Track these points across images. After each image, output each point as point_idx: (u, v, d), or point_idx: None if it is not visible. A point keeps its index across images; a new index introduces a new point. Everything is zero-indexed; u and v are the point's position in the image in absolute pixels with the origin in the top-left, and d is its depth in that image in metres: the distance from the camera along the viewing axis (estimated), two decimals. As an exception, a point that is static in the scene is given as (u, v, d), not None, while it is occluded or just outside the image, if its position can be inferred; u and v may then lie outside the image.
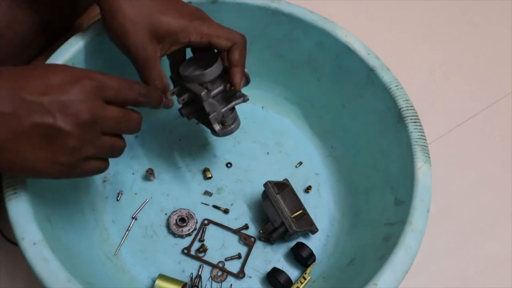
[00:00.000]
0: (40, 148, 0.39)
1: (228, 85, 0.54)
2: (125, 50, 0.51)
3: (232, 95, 0.57)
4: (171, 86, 0.57)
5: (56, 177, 0.41)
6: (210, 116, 0.56)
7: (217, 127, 0.57)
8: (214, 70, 0.53)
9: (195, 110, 0.58)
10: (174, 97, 0.55)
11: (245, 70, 0.55)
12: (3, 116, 0.37)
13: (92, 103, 0.40)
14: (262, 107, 0.71)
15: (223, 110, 0.57)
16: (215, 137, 0.65)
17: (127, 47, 0.50)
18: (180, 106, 0.57)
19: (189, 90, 0.55)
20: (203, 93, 0.53)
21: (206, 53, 0.56)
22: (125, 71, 0.61)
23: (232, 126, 0.59)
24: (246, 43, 0.54)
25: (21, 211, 0.44)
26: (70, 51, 0.54)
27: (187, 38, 0.51)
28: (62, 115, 0.38)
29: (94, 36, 0.55)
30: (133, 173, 0.64)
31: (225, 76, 0.55)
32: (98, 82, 0.40)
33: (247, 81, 0.56)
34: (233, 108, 0.58)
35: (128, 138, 0.65)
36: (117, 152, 0.45)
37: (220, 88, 0.55)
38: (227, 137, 0.67)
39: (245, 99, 0.58)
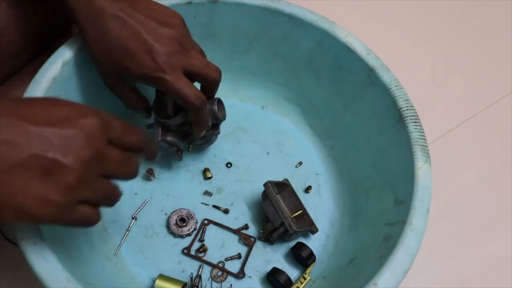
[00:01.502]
0: (34, 182, 0.35)
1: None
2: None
3: None
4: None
5: (46, 219, 0.36)
6: (170, 150, 0.60)
7: (176, 157, 0.62)
8: (174, 121, 0.56)
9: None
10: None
11: (215, 107, 0.57)
12: (3, 141, 0.34)
13: (96, 141, 0.37)
14: (262, 107, 0.71)
15: (192, 138, 0.62)
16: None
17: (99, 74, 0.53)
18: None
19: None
20: (156, 141, 0.57)
21: None
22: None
23: (201, 145, 0.65)
24: (216, 86, 0.55)
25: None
26: (70, 52, 0.54)
27: (147, 85, 0.52)
28: (64, 148, 0.36)
29: (94, 36, 0.55)
30: (133, 173, 0.64)
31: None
32: (104, 121, 0.38)
33: (216, 119, 0.58)
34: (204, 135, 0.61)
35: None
36: (113, 199, 0.42)
37: (184, 126, 0.59)
38: (227, 137, 0.68)
39: (215, 132, 0.62)
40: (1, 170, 0.34)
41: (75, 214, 0.38)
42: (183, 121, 0.57)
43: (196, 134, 0.57)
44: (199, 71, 0.52)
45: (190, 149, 0.64)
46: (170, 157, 0.65)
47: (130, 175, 0.42)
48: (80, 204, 0.38)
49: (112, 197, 0.41)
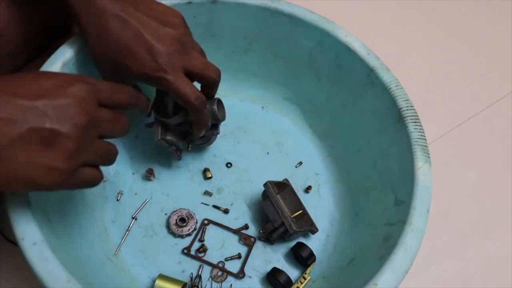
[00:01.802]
0: (36, 154, 0.37)
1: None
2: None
3: None
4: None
5: (53, 187, 0.38)
6: (169, 149, 0.60)
7: (175, 156, 0.61)
8: (174, 120, 0.56)
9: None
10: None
11: (215, 107, 0.57)
12: (1, 118, 0.36)
13: (87, 105, 0.39)
14: (262, 107, 0.71)
15: (191, 137, 0.61)
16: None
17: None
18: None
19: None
20: (155, 140, 0.58)
21: None
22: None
23: (201, 145, 0.64)
24: (216, 86, 0.55)
25: (21, 211, 0.44)
26: (70, 52, 0.54)
27: (148, 84, 0.52)
28: (59, 117, 0.37)
29: (94, 36, 0.55)
30: (133, 173, 0.64)
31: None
32: (91, 85, 0.40)
33: (216, 119, 0.58)
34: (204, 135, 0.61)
35: (128, 138, 0.65)
36: (112, 157, 0.44)
37: (184, 126, 0.58)
38: (227, 137, 0.68)
39: (215, 132, 0.62)
40: (2, 146, 0.36)
41: (79, 177, 0.40)
42: (183, 121, 0.57)
43: (196, 134, 0.57)
44: (199, 72, 0.52)
45: (189, 148, 0.64)
46: (170, 156, 0.65)
47: (122, 132, 0.44)
48: (82, 167, 0.40)
49: (111, 155, 0.43)
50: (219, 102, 0.59)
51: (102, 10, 0.49)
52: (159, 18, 0.51)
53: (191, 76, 0.52)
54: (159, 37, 0.50)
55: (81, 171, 0.40)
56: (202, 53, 0.55)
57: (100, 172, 0.43)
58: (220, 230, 0.61)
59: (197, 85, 0.54)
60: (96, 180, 0.42)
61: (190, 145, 0.64)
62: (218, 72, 0.54)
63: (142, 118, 0.62)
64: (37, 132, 0.36)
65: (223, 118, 0.60)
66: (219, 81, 0.55)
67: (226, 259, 0.59)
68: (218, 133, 0.63)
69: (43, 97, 0.37)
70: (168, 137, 0.58)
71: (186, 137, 0.62)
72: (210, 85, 0.55)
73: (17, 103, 0.36)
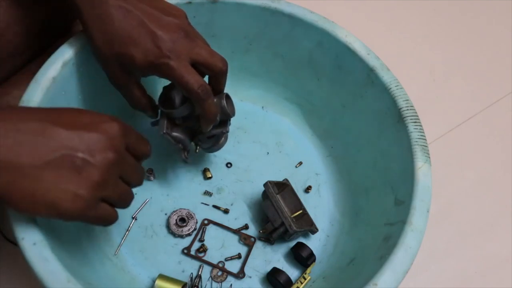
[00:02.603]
0: (65, 179, 0.39)
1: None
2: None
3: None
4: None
5: (74, 214, 0.40)
6: (175, 147, 0.57)
7: (182, 156, 0.58)
8: (179, 111, 0.54)
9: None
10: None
11: (224, 104, 0.55)
12: (34, 142, 0.38)
13: (117, 144, 0.41)
14: (262, 107, 0.71)
15: (199, 137, 0.59)
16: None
17: (104, 73, 0.52)
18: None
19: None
20: (160, 133, 0.55)
21: None
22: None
23: (209, 149, 0.61)
24: (223, 77, 0.54)
25: (21, 211, 0.44)
26: (70, 51, 0.54)
27: (153, 74, 0.51)
28: (91, 149, 0.39)
29: (94, 36, 0.55)
30: (133, 173, 0.64)
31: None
32: (123, 127, 0.42)
33: (226, 115, 0.56)
34: (213, 135, 0.59)
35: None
36: (128, 200, 0.45)
37: (191, 121, 0.56)
38: (227, 137, 0.67)
39: (224, 130, 0.59)
40: (36, 166, 0.38)
41: (98, 211, 0.41)
42: (189, 114, 0.55)
43: (204, 127, 0.55)
44: (205, 60, 0.51)
45: (197, 151, 0.61)
46: (170, 156, 0.65)
47: (139, 182, 0.46)
48: (102, 202, 0.42)
49: (128, 198, 0.45)
50: (228, 97, 0.57)
51: (104, 3, 0.49)
52: (162, 9, 0.50)
53: (197, 66, 0.51)
54: (163, 25, 0.49)
55: (100, 205, 0.41)
56: (206, 43, 0.53)
57: (116, 212, 0.44)
58: (220, 230, 0.61)
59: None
60: (112, 219, 0.44)
61: (198, 147, 0.61)
62: (224, 62, 0.53)
63: (142, 119, 0.62)
64: (69, 158, 0.39)
65: (233, 114, 0.58)
66: (226, 71, 0.53)
67: (226, 259, 0.59)
68: (228, 131, 0.60)
69: (79, 129, 0.40)
70: (174, 133, 0.56)
71: (194, 137, 0.60)
72: (217, 76, 0.53)
73: (56, 130, 0.39)
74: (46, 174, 0.38)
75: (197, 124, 0.56)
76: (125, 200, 0.45)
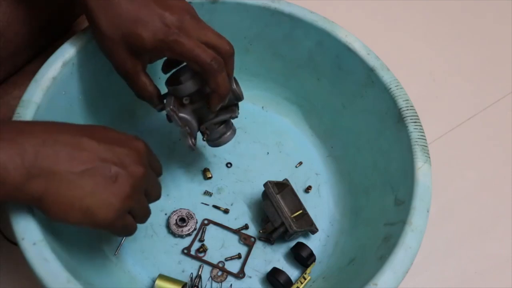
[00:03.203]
0: (101, 187, 0.41)
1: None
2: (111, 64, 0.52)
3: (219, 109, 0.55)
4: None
5: (105, 222, 0.41)
6: (180, 130, 0.54)
7: (188, 142, 0.55)
8: (186, 87, 0.52)
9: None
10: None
11: (234, 86, 0.54)
12: (71, 153, 0.40)
13: (145, 160, 0.44)
14: (262, 107, 0.71)
15: (206, 123, 0.56)
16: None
17: (110, 62, 0.52)
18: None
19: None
20: (167, 109, 0.53)
21: None
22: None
23: (217, 141, 0.58)
24: (231, 59, 0.52)
25: (21, 211, 0.44)
26: (70, 51, 0.54)
27: (162, 55, 0.51)
28: (123, 162, 0.42)
29: (94, 36, 0.55)
30: (133, 173, 0.64)
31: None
32: (147, 145, 0.45)
33: (236, 97, 0.56)
34: (222, 122, 0.57)
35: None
36: (147, 215, 0.47)
37: (199, 104, 0.54)
38: (235, 131, 0.66)
39: (233, 115, 0.57)
40: (74, 173, 0.40)
41: (124, 221, 0.43)
42: (196, 92, 0.52)
43: (214, 105, 0.53)
44: (212, 41, 0.50)
45: (204, 138, 0.58)
46: (170, 157, 0.65)
47: (156, 198, 0.48)
48: (128, 214, 0.44)
49: (147, 213, 0.47)
50: (236, 80, 0.56)
51: None
52: None
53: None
54: (169, 6, 0.49)
55: (126, 217, 0.44)
56: (211, 27, 0.52)
57: (136, 225, 0.46)
58: (220, 230, 0.61)
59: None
60: (133, 230, 0.46)
61: (205, 135, 0.57)
62: (231, 45, 0.52)
63: (141, 119, 0.62)
64: (104, 169, 0.41)
65: (242, 96, 0.56)
66: (233, 53, 0.52)
67: (226, 259, 0.59)
68: (237, 117, 0.57)
69: (112, 144, 0.42)
70: (181, 114, 0.53)
71: (202, 124, 0.57)
72: (225, 57, 0.51)
73: (91, 143, 0.41)
74: (83, 182, 0.40)
75: (205, 107, 0.54)
76: (145, 214, 0.47)
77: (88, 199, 0.40)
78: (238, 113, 0.58)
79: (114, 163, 0.41)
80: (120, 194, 0.41)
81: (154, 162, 0.47)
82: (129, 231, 0.45)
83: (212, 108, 0.53)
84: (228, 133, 0.59)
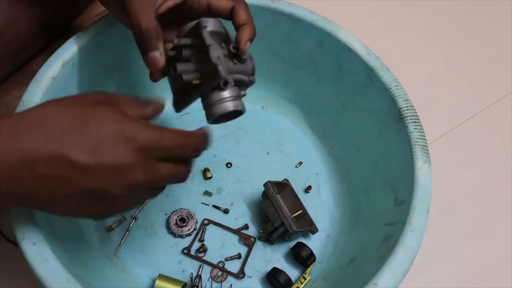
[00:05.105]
0: (86, 205, 0.38)
1: (232, 46, 0.46)
2: (122, 7, 0.46)
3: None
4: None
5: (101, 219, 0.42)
6: (211, 48, 0.45)
7: (220, 66, 0.44)
8: (211, 22, 0.46)
9: (194, 69, 0.47)
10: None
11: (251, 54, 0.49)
12: (51, 179, 0.36)
13: (145, 167, 0.38)
14: (262, 107, 0.71)
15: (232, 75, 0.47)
16: (215, 137, 0.65)
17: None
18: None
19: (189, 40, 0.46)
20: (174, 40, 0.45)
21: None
22: (125, 71, 0.62)
23: (223, 103, 0.48)
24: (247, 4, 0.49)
25: (21, 211, 0.44)
26: (70, 51, 0.54)
27: None
28: (113, 179, 0.37)
29: (94, 36, 0.55)
30: (133, 173, 0.64)
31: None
32: (151, 142, 0.38)
33: (253, 71, 0.50)
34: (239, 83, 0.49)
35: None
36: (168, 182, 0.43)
37: (200, 58, 0.46)
38: (227, 137, 0.67)
39: (251, 78, 0.50)
40: (55, 200, 0.37)
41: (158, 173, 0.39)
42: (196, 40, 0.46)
43: (243, 37, 0.48)
44: None
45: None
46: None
47: (180, 182, 0.43)
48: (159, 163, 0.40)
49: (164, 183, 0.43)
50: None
51: None
52: None
53: (213, 14, 0.48)
54: None
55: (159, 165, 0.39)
56: None
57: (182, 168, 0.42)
58: (220, 230, 0.61)
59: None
60: (181, 176, 0.42)
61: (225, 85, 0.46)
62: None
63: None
64: (90, 191, 0.37)
65: (254, 76, 0.51)
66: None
67: (226, 259, 0.59)
68: (253, 82, 0.51)
69: (98, 155, 0.36)
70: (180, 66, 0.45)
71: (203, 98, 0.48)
72: (243, 5, 0.49)
73: (71, 161, 0.35)
74: (71, 203, 0.38)
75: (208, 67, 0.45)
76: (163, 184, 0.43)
77: (77, 214, 0.40)
78: (255, 79, 0.51)
79: (102, 180, 0.37)
80: (110, 208, 0.40)
81: (175, 152, 0.40)
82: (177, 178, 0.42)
83: (242, 41, 0.47)
84: (236, 102, 0.48)
